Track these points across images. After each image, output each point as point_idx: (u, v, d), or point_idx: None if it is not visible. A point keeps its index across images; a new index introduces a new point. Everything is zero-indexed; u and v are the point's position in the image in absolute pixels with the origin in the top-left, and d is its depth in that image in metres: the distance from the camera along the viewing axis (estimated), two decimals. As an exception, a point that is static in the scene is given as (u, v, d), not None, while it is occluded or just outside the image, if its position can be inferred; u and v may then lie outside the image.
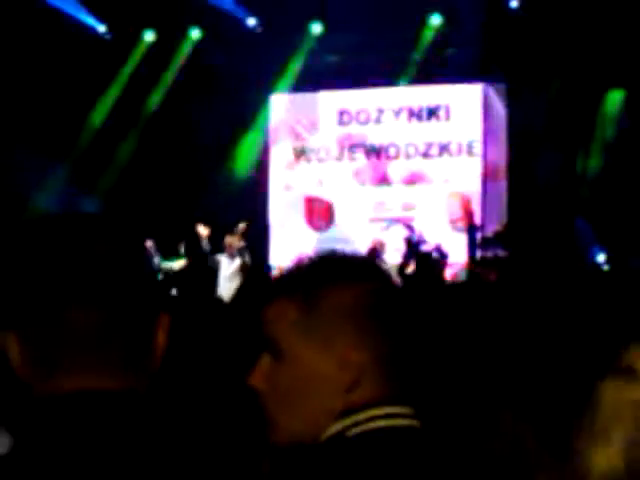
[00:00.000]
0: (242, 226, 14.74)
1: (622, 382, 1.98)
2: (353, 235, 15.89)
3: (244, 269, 14.47)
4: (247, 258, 14.67)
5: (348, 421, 1.93)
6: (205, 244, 14.77)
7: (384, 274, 2.06)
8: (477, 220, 14.68)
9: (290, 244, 16.46)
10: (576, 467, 1.95)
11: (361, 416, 1.92)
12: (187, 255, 15.00)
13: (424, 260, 13.97)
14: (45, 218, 1.65)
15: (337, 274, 1.99)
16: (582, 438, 1.97)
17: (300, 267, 2.01)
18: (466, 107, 16.35)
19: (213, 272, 14.50)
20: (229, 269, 14.48)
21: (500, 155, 16.09)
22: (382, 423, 1.92)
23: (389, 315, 1.98)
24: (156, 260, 14.73)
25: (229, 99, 16.15)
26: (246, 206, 16.16)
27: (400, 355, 1.97)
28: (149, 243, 14.62)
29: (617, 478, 1.91)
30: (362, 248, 13.50)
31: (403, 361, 1.97)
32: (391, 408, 1.94)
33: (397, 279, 9.16)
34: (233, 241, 14.61)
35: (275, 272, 16.56)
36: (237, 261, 14.56)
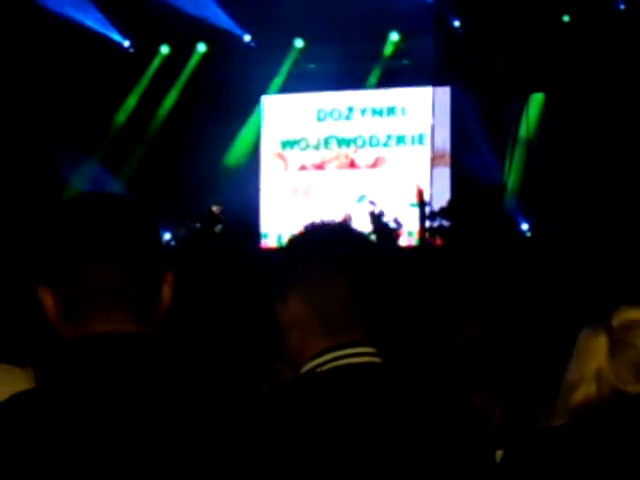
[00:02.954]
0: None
1: (600, 330, 1.97)
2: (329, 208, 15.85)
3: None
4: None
5: (321, 359, 1.89)
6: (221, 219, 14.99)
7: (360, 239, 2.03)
8: (426, 197, 14.68)
9: (277, 216, 16.48)
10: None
11: (329, 356, 1.88)
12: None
13: (384, 229, 13.98)
14: (78, 197, 1.66)
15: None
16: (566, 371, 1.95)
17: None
18: (419, 106, 16.33)
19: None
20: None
21: (445, 145, 16.11)
22: (346, 361, 1.89)
23: (362, 272, 1.93)
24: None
25: (229, 100, 16.11)
26: (243, 184, 16.21)
27: (370, 305, 1.93)
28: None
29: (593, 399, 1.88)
30: (335, 219, 13.49)
31: (372, 310, 1.93)
32: (359, 349, 1.90)
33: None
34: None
35: (268, 239, 16.58)
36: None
